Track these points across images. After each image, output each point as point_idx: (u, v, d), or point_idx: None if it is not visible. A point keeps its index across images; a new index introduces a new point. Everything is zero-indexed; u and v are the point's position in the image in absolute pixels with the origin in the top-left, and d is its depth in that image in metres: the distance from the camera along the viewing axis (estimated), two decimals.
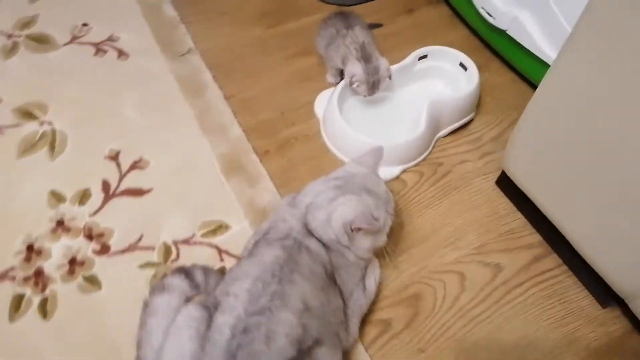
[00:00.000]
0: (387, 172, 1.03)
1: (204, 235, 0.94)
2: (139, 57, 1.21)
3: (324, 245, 0.77)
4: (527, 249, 0.96)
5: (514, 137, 0.91)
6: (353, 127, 1.02)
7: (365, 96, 1.07)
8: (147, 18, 1.30)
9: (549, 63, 1.05)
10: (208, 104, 1.13)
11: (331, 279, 0.76)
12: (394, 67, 1.09)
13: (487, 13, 1.15)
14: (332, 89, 1.16)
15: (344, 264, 0.78)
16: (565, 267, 0.94)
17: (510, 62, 1.22)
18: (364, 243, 0.78)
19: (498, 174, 1.05)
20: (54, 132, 1.06)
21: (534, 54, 1.09)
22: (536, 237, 0.98)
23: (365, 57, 1.05)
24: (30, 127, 1.07)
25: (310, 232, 0.77)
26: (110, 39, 1.24)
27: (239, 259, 0.90)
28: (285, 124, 1.13)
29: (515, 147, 0.91)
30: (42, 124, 1.08)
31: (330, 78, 1.20)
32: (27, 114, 1.09)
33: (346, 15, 1.14)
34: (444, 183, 1.05)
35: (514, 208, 1.01)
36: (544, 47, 1.06)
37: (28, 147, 1.04)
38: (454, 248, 0.96)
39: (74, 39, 1.24)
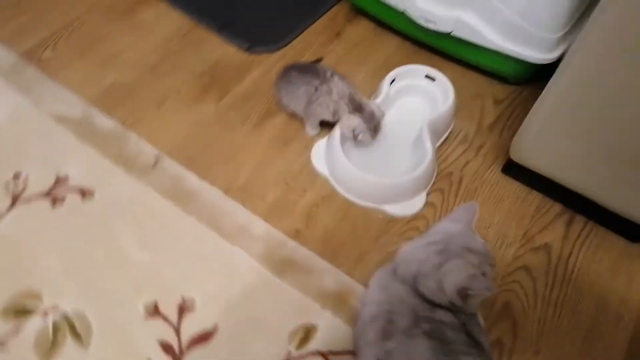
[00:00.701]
0: (418, 201, 1.07)
1: (298, 347, 0.89)
2: (105, 187, 1.05)
3: (448, 309, 0.79)
4: (558, 219, 1.08)
5: (525, 130, 1.00)
6: (364, 171, 1.03)
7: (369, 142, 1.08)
8: (86, 140, 1.12)
9: (504, 52, 1.16)
10: (211, 207, 1.04)
11: (470, 337, 0.79)
12: (378, 102, 1.11)
13: (427, 20, 1.21)
14: (322, 140, 1.14)
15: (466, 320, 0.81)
16: (592, 222, 1.08)
17: (457, 57, 1.30)
18: (477, 301, 0.80)
19: (499, 161, 1.15)
20: (66, 317, 0.90)
21: (483, 47, 1.18)
22: (558, 207, 1.09)
23: (358, 107, 1.05)
24: (34, 324, 0.89)
25: (432, 303, 0.78)
26: (59, 181, 1.06)
27: (347, 353, 0.88)
28: (296, 194, 1.09)
29: (528, 137, 1.00)
30: (45, 314, 0.90)
31: (311, 130, 1.17)
32: (19, 311, 0.90)
33: (311, 68, 1.12)
34: (464, 189, 1.11)
35: (527, 189, 1.12)
36: (495, 39, 1.15)
37: (49, 349, 0.87)
38: (506, 246, 1.04)
39: (15, 198, 1.03)
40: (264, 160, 1.13)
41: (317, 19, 1.41)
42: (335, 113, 1.07)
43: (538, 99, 0.95)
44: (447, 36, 1.22)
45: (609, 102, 0.85)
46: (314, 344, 0.89)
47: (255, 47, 1.32)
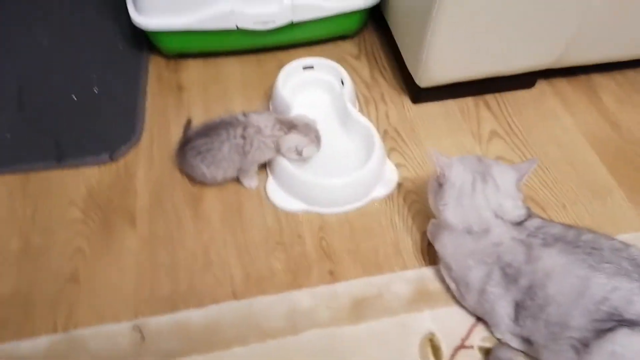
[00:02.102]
0: (391, 172, 1.06)
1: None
2: None
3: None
4: (479, 108, 1.21)
5: (427, 56, 1.06)
6: (334, 176, 1.00)
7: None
8: None
9: (343, 12, 1.20)
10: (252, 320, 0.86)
11: None
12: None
13: (265, 22, 1.16)
14: (269, 182, 1.04)
15: None
16: (498, 94, 1.23)
17: (301, 43, 1.29)
18: None
19: (403, 97, 1.22)
20: None
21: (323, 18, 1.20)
22: (470, 100, 1.22)
23: (291, 126, 0.98)
24: None
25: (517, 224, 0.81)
26: None
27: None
28: (296, 243, 0.97)
29: (434, 60, 1.07)
30: None
31: (251, 182, 1.05)
32: None
33: (217, 125, 1.00)
34: (407, 135, 1.15)
35: (440, 102, 1.21)
36: (331, 4, 1.18)
37: None
38: (473, 148, 1.12)
39: None
40: (235, 242, 0.98)
41: (145, 88, 1.23)
42: (277, 147, 0.98)
43: (429, 26, 1.01)
44: (288, 27, 1.20)
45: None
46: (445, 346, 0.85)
47: (116, 150, 1.10)
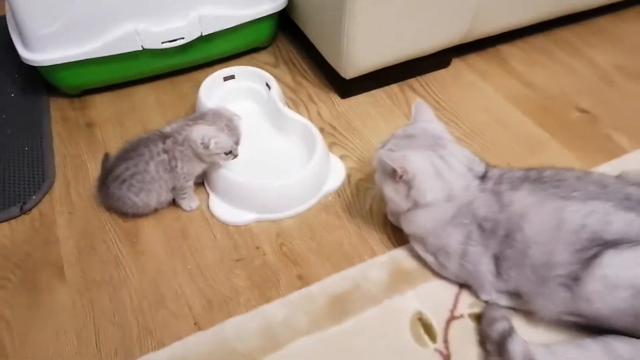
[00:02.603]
0: (337, 164, 1.02)
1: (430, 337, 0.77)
2: None
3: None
4: (405, 93, 1.21)
5: (348, 47, 1.05)
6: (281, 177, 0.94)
7: (232, 153, 0.90)
8: None
9: (254, 18, 1.17)
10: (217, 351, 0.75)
11: None
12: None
13: (173, 40, 1.10)
14: (211, 198, 0.95)
15: None
16: (419, 77, 1.25)
17: (211, 59, 1.23)
18: None
19: (331, 95, 1.20)
20: None
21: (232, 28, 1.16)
22: (395, 86, 1.23)
23: (199, 117, 0.91)
24: None
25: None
26: None
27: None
28: (256, 256, 0.88)
29: (353, 46, 1.06)
30: None
31: (192, 203, 0.95)
32: None
33: (134, 146, 0.90)
34: (344, 128, 1.12)
35: (368, 93, 1.21)
36: (240, 13, 1.14)
37: None
38: None
39: None
40: (186, 269, 0.87)
41: (50, 132, 1.10)
42: (203, 155, 0.89)
43: (344, 16, 1.00)
44: (199, 43, 1.14)
45: None
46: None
47: (27, 201, 0.95)
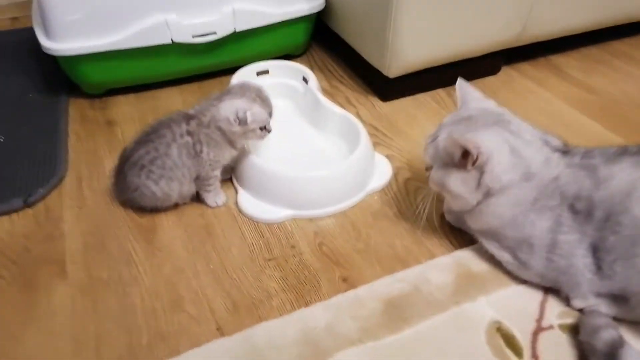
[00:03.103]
0: (382, 161, 0.90)
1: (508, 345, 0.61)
2: None
3: None
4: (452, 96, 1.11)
5: (393, 39, 0.96)
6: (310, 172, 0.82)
7: (267, 128, 0.80)
8: None
9: (288, 18, 1.10)
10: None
11: None
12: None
13: (204, 34, 1.02)
14: (240, 194, 0.83)
15: None
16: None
17: (241, 60, 1.15)
18: None
19: (371, 97, 1.10)
20: None
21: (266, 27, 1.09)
22: (441, 91, 1.12)
23: (226, 92, 0.80)
24: None
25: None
26: None
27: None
28: (291, 256, 0.74)
29: (399, 41, 0.97)
30: None
31: (217, 199, 0.83)
32: None
33: (155, 129, 0.79)
34: (388, 129, 1.00)
35: (412, 97, 1.10)
36: (274, 10, 1.07)
37: None
38: None
39: None
40: (210, 269, 0.73)
41: (66, 129, 1.01)
42: (233, 139, 0.78)
43: (391, 10, 0.92)
44: (231, 42, 1.07)
45: None
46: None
47: (32, 194, 0.84)
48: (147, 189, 0.78)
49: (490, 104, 0.73)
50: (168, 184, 0.78)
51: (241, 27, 1.06)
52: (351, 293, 0.68)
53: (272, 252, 0.76)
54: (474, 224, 0.71)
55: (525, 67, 1.21)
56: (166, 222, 0.81)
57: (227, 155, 0.80)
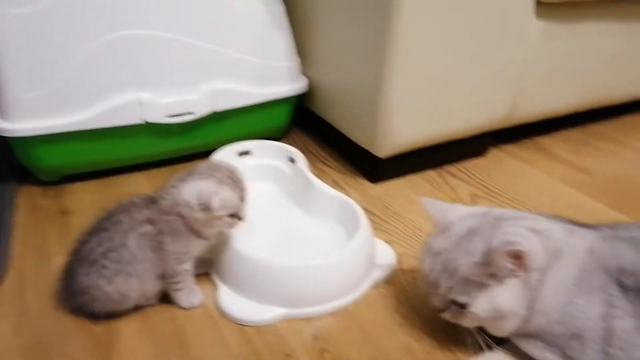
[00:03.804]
0: (384, 248, 0.80)
1: None
2: None
3: None
4: (444, 177, 1.04)
5: (384, 116, 0.91)
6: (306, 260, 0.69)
7: (238, 215, 0.68)
8: None
9: (270, 99, 1.04)
10: None
11: None
12: None
13: (180, 114, 0.94)
14: (222, 290, 0.69)
15: None
16: (455, 164, 1.10)
17: (218, 142, 1.04)
18: None
19: (360, 179, 1.02)
20: None
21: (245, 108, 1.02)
22: (432, 172, 1.06)
23: (190, 173, 0.67)
24: None
25: None
26: None
27: None
28: None
29: (389, 119, 0.91)
30: None
31: (192, 298, 0.69)
32: None
33: (119, 208, 0.67)
34: (384, 213, 0.91)
35: (405, 178, 1.03)
36: (255, 91, 1.02)
37: None
38: None
39: None
40: None
41: (11, 220, 0.87)
42: (197, 227, 0.65)
43: (381, 90, 0.88)
44: (208, 124, 0.99)
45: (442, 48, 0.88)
46: None
47: None
48: (100, 290, 0.63)
49: (480, 209, 0.65)
50: (125, 281, 0.63)
51: (221, 107, 0.99)
52: None
53: (270, 356, 0.61)
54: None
55: (513, 148, 1.18)
56: (127, 330, 0.65)
57: (195, 246, 0.67)
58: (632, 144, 1.22)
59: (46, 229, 0.85)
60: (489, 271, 0.55)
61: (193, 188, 0.64)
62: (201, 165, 0.69)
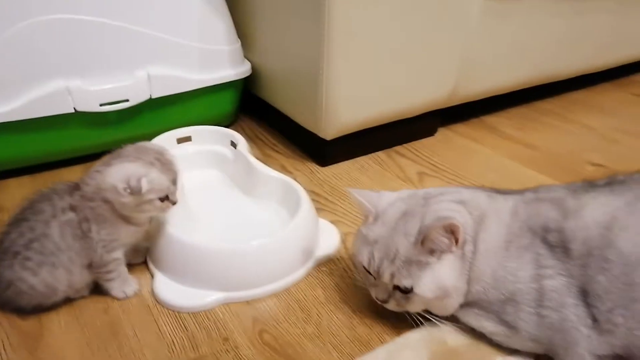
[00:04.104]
0: (328, 227, 0.78)
1: None
2: None
3: None
4: (383, 159, 1.04)
5: (327, 99, 0.89)
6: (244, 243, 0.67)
7: (170, 199, 0.64)
8: None
9: (211, 84, 1.01)
10: None
11: None
12: None
13: (116, 102, 0.90)
14: (158, 279, 0.66)
15: None
16: (401, 145, 1.10)
17: (159, 129, 1.02)
18: None
19: (308, 163, 1.00)
20: None
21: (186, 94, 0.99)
22: (382, 153, 1.05)
23: (116, 156, 0.64)
24: None
25: None
26: None
27: None
28: (223, 350, 0.58)
29: (332, 101, 0.90)
30: None
31: (126, 288, 0.66)
32: None
33: (42, 197, 0.64)
34: (331, 194, 0.90)
35: (356, 159, 1.02)
36: (198, 74, 0.98)
37: None
38: None
39: None
40: None
41: None
42: (126, 213, 0.62)
43: (322, 71, 0.87)
44: (147, 113, 0.96)
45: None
46: None
47: None
48: (24, 283, 0.60)
49: (407, 191, 0.64)
50: (51, 272, 0.60)
51: (158, 93, 0.95)
52: None
53: (198, 349, 0.59)
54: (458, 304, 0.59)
55: (461, 127, 1.18)
56: (57, 324, 0.62)
57: (124, 233, 0.64)
58: (576, 118, 1.24)
59: None
60: (427, 247, 0.54)
61: (119, 171, 0.61)
62: (127, 147, 0.66)
